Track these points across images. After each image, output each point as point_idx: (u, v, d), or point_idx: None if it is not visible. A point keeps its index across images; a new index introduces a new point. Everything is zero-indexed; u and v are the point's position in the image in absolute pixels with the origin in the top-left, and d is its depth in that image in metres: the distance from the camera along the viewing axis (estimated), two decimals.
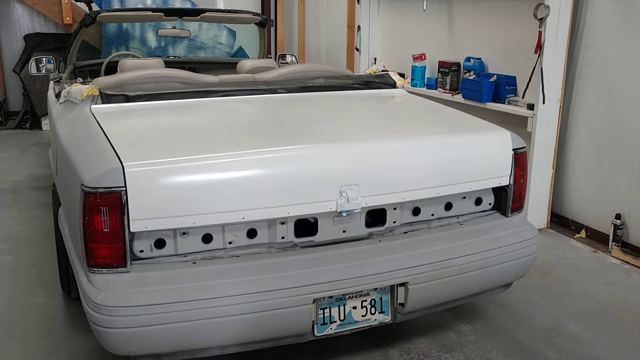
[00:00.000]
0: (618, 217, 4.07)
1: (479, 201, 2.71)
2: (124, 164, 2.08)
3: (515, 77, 4.68)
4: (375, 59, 6.66)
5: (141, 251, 2.18)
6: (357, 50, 6.69)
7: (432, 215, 2.61)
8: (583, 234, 4.39)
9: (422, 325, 3.05)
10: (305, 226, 2.38)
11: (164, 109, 2.92)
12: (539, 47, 4.15)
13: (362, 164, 2.34)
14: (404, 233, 2.55)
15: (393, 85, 3.49)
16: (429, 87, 5.58)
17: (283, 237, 2.34)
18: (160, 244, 2.21)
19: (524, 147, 2.70)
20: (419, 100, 3.40)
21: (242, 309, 2.13)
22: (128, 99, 2.91)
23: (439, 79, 5.45)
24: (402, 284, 2.38)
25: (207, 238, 2.26)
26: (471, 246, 2.51)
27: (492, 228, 2.65)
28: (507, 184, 2.67)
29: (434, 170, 2.48)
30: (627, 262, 3.94)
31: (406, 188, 2.43)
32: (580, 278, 3.71)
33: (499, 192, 2.73)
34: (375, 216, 2.50)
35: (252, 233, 2.31)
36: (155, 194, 2.09)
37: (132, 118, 2.79)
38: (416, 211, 2.56)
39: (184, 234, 2.22)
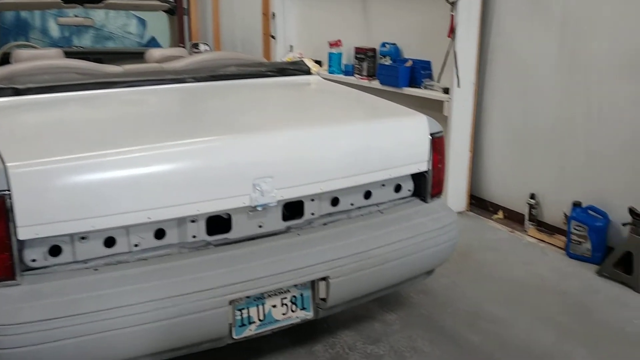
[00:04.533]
0: (532, 197, 4.17)
1: (398, 188, 2.65)
2: (6, 165, 1.85)
3: (430, 61, 4.70)
4: (291, 46, 6.53)
5: (33, 260, 1.96)
6: (273, 38, 6.55)
7: (352, 204, 2.52)
8: (500, 214, 4.47)
9: (346, 318, 2.98)
10: (218, 223, 2.23)
11: (60, 102, 2.67)
12: (452, 31, 4.16)
13: (276, 155, 2.22)
14: (323, 225, 2.45)
15: (307, 71, 3.38)
16: (346, 73, 5.51)
17: (194, 236, 2.18)
18: (55, 250, 1.99)
19: (441, 132, 2.66)
20: (334, 87, 3.30)
21: (151, 316, 1.96)
22: (18, 92, 2.65)
23: (355, 65, 5.39)
24: (323, 279, 2.28)
25: (109, 242, 2.07)
26: (392, 235, 2.45)
27: (413, 215, 2.60)
28: (426, 169, 2.63)
29: (352, 159, 2.39)
30: (542, 241, 4.04)
31: (323, 178, 2.33)
32: (499, 259, 3.76)
33: (418, 178, 2.69)
34: (293, 209, 2.39)
35: (160, 233, 2.14)
36: (46, 196, 1.88)
37: (21, 113, 2.53)
38: (335, 201, 2.47)
39: (83, 238, 2.02)
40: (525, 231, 4.19)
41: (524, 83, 4.14)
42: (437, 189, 2.71)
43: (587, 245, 3.67)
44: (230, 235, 2.24)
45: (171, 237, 2.16)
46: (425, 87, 4.59)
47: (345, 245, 2.34)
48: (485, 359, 2.70)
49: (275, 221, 2.32)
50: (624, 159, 3.56)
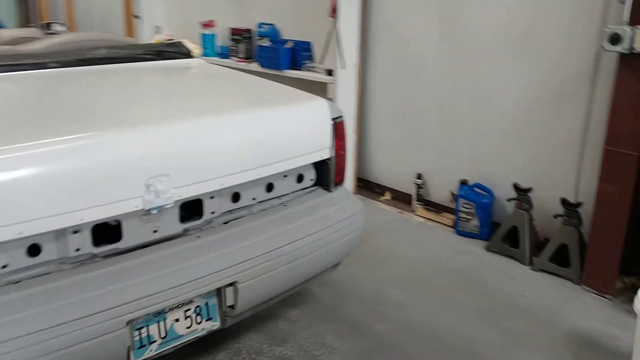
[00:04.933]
0: (419, 176, 4.20)
1: (300, 178, 2.48)
2: None
3: (310, 42, 4.56)
4: (158, 27, 6.09)
5: None
6: (137, 17, 6.05)
7: (254, 199, 2.31)
8: (388, 195, 4.48)
9: (248, 319, 2.75)
10: (106, 231, 1.92)
11: None
12: (334, 11, 4.04)
13: (171, 150, 1.94)
14: (224, 224, 2.22)
15: (188, 54, 3.09)
16: (222, 56, 5.23)
17: (78, 249, 1.85)
18: None
19: (342, 116, 2.52)
20: (222, 71, 3.04)
21: (29, 353, 1.62)
22: None
23: (231, 47, 5.13)
24: (231, 284, 2.06)
25: None
26: (300, 229, 2.28)
27: (318, 206, 2.44)
28: (329, 156, 2.48)
29: (253, 150, 2.17)
30: (430, 219, 4.10)
31: (224, 173, 2.09)
32: (393, 241, 3.75)
33: (319, 166, 2.53)
34: (190, 208, 2.13)
35: (34, 250, 1.78)
36: None
37: None
38: (236, 197, 2.24)
39: None
40: (414, 211, 4.22)
41: (408, 63, 4.14)
42: (340, 177, 2.58)
43: (475, 222, 3.76)
44: (121, 245, 1.94)
45: (49, 252, 1.81)
46: (308, 69, 4.46)
47: (252, 245, 2.13)
48: (395, 347, 2.64)
49: (172, 224, 2.05)
50: (506, 137, 3.67)
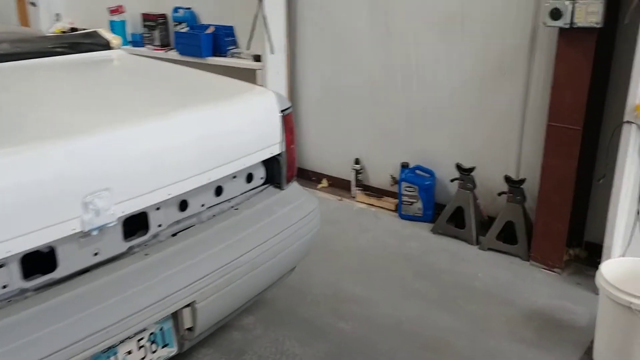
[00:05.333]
0: (357, 162, 4.08)
1: (249, 178, 2.27)
2: None
3: (232, 27, 4.29)
4: (58, 14, 5.57)
5: None
6: (33, 5, 5.50)
7: (202, 205, 2.08)
8: (325, 183, 4.34)
9: None
10: (38, 259, 1.64)
11: None
12: None
13: (110, 161, 1.67)
14: (172, 236, 1.98)
15: (107, 45, 2.77)
16: (135, 44, 4.85)
17: (5, 286, 1.56)
18: None
19: (290, 107, 2.33)
20: (151, 63, 2.72)
21: None
22: None
23: (145, 35, 4.76)
24: (188, 305, 1.83)
25: None
26: (256, 235, 2.08)
27: (272, 207, 2.24)
28: (280, 151, 2.28)
29: (201, 152, 1.94)
30: (372, 205, 3.99)
31: (171, 180, 1.85)
32: (338, 231, 3.61)
33: (269, 162, 2.33)
34: (133, 222, 1.87)
35: None
36: None
37: None
38: (183, 205, 2.00)
39: None
40: (354, 197, 4.10)
41: (338, 45, 3.98)
42: (292, 172, 2.39)
43: (418, 204, 3.69)
44: (57, 274, 1.66)
45: None
46: (233, 56, 4.19)
47: (207, 259, 1.91)
48: (361, 346, 2.51)
49: (115, 243, 1.79)
50: (444, 117, 3.61)
